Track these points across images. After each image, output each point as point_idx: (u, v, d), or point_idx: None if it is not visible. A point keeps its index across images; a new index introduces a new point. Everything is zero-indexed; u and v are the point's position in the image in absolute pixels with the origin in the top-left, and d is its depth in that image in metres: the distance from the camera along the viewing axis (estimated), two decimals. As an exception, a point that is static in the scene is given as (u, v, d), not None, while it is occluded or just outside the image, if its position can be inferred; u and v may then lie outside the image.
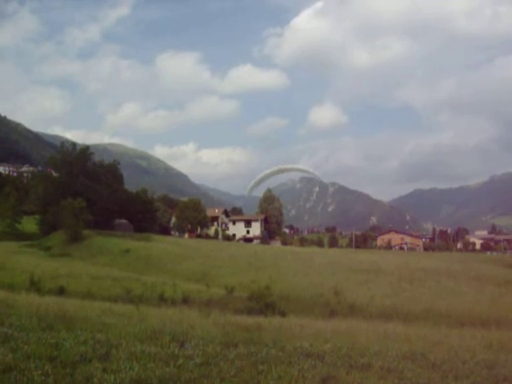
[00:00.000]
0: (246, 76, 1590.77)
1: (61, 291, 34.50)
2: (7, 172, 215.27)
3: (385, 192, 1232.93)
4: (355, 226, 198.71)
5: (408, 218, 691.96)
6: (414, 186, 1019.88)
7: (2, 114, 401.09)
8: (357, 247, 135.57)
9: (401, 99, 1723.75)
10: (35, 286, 34.35)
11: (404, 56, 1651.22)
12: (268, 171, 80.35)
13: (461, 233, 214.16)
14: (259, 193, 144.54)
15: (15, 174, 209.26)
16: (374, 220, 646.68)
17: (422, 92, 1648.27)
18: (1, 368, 7.02)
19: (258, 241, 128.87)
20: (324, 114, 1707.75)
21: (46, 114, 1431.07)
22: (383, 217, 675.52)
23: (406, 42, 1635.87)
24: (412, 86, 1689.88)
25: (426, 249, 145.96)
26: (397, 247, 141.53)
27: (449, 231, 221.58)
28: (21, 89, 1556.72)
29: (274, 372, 7.85)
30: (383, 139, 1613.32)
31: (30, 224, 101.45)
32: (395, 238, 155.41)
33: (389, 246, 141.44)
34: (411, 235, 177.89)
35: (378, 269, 52.17)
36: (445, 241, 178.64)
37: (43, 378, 6.70)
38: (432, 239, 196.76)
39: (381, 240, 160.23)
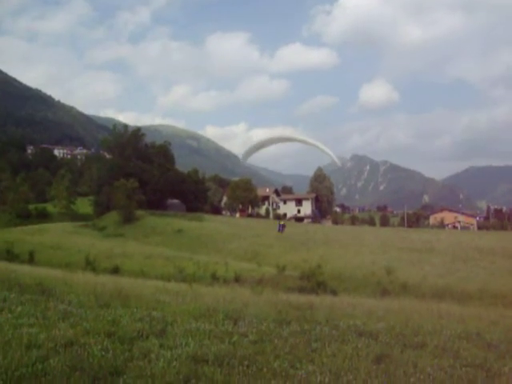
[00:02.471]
0: (295, 55, 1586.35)
1: (115, 270, 35.41)
2: (62, 155, 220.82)
3: (437, 170, 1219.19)
4: (407, 204, 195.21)
5: (461, 196, 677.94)
6: (468, 163, 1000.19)
7: (56, 99, 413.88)
8: (409, 226, 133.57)
9: (453, 75, 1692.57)
10: (91, 265, 35.36)
11: (457, 30, 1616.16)
12: (265, 138, 79.36)
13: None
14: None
15: (69, 157, 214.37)
16: (426, 198, 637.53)
17: (476, 67, 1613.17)
18: (63, 342, 7.28)
19: (309, 220, 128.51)
20: (375, 92, 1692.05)
21: (98, 97, 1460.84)
22: (436, 195, 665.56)
23: (459, 15, 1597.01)
24: (465, 60, 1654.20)
25: (480, 228, 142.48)
26: (450, 226, 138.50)
27: (504, 210, 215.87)
28: (74, 73, 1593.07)
29: (328, 350, 7.88)
30: (435, 116, 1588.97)
31: (84, 205, 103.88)
32: (448, 217, 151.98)
33: (442, 225, 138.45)
34: (465, 214, 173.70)
35: (431, 248, 51.25)
36: (500, 220, 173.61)
37: (103, 352, 6.92)
38: (486, 218, 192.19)
39: (433, 219, 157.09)
